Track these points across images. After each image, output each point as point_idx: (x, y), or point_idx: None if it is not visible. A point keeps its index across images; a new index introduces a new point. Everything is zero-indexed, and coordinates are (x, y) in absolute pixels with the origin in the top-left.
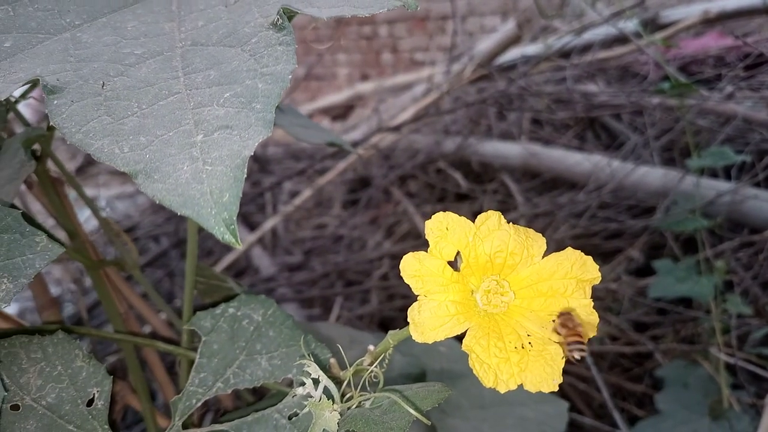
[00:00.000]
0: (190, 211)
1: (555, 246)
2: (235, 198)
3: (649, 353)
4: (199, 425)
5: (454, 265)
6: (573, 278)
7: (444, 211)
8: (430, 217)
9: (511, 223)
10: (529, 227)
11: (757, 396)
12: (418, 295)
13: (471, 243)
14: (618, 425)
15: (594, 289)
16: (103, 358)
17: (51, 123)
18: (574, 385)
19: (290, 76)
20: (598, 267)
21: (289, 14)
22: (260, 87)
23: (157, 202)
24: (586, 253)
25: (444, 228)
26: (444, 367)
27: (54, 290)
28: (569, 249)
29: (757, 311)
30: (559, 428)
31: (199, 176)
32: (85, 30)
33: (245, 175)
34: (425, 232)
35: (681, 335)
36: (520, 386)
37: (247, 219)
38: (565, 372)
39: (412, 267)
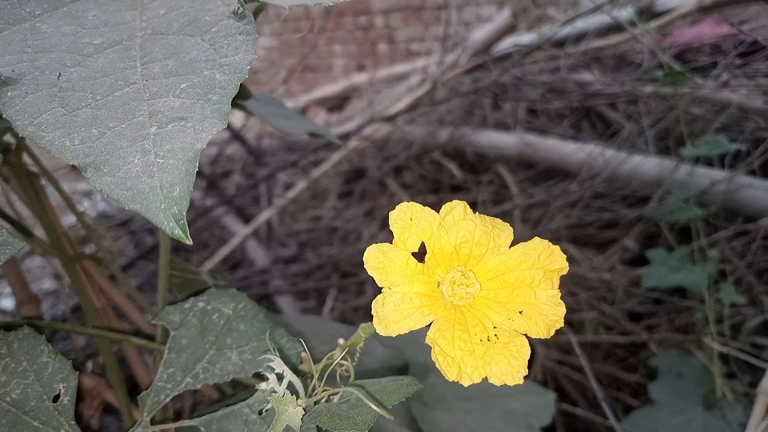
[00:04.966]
0: (138, 206)
1: (550, 236)
2: (185, 192)
3: (643, 343)
4: (191, 416)
5: (419, 256)
6: (540, 268)
7: (440, 202)
8: None
9: (504, 213)
10: (525, 218)
11: (750, 385)
12: (381, 288)
13: (436, 234)
14: (609, 416)
15: (588, 278)
16: (92, 354)
17: (4, 116)
18: (569, 375)
19: (249, 67)
20: (565, 257)
21: (257, 5)
22: (218, 78)
23: (105, 196)
24: (581, 243)
25: (408, 219)
26: (428, 358)
27: (49, 284)
28: (536, 239)
29: (751, 300)
30: (545, 420)
31: (150, 169)
32: (45, 20)
33: (197, 169)
34: (390, 223)
35: (675, 325)
36: None
37: (242, 211)
38: (559, 362)
39: (375, 259)
